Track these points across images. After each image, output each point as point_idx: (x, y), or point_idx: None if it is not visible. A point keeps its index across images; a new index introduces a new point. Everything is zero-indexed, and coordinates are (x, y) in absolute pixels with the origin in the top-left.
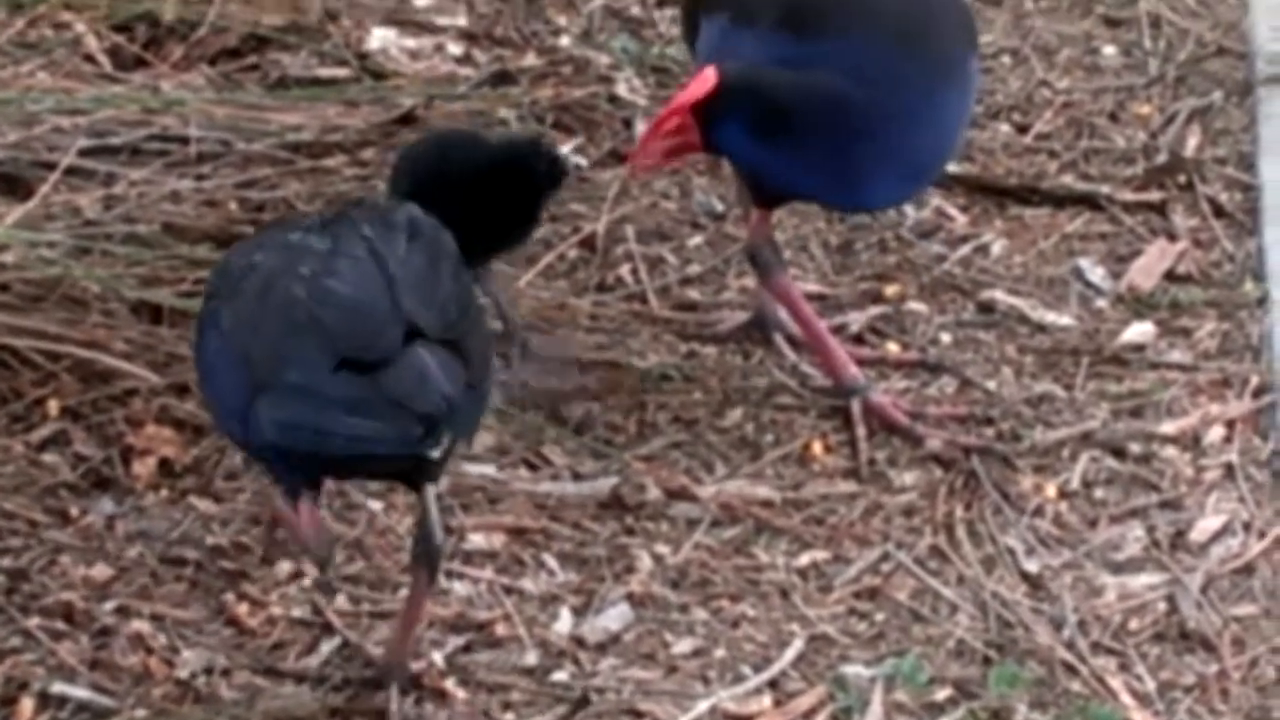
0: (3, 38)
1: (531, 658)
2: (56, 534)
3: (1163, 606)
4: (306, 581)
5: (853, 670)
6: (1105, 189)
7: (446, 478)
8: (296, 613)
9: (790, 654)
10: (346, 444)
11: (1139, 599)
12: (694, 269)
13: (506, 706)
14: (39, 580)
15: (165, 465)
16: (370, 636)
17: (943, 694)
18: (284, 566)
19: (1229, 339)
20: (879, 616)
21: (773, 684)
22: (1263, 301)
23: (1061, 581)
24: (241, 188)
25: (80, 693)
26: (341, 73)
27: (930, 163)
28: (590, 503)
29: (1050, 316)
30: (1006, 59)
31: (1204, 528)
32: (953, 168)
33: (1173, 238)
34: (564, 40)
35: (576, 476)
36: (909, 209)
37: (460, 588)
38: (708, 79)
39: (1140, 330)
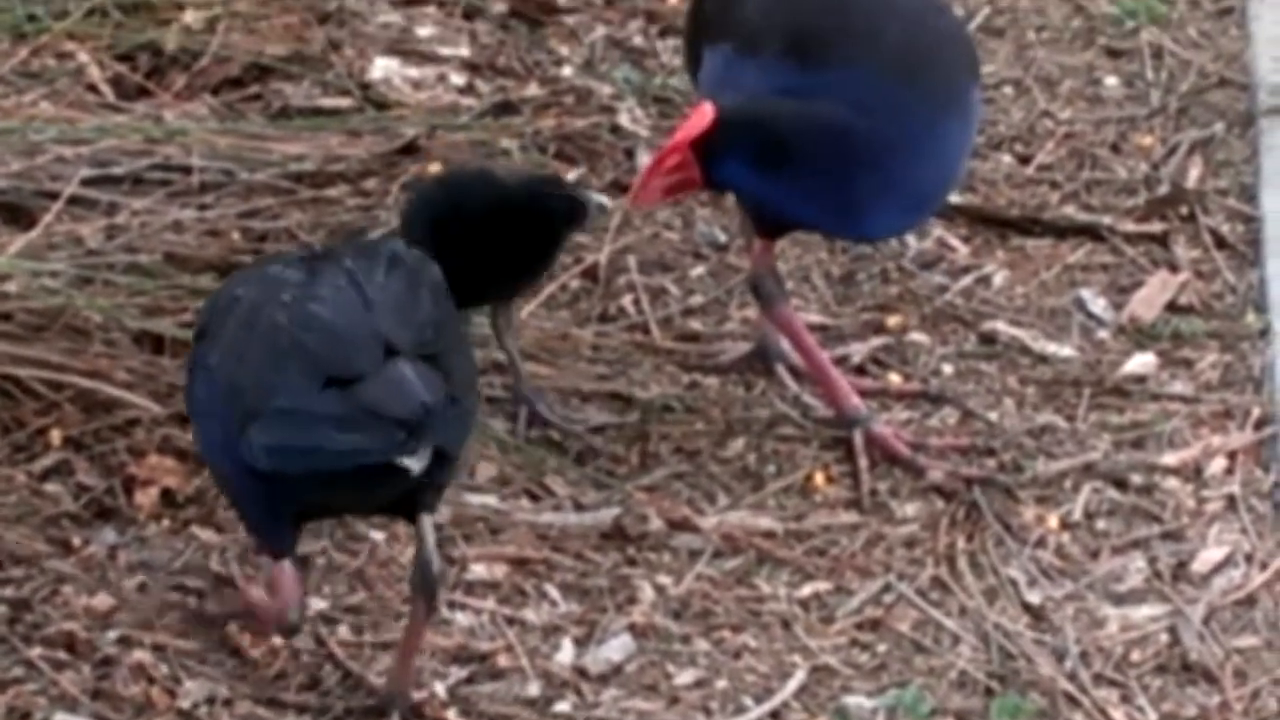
0: (5, 67)
1: (534, 689)
2: (59, 564)
3: (1165, 638)
4: (310, 613)
5: (855, 701)
6: (1107, 220)
7: (448, 508)
8: (299, 643)
9: (792, 685)
10: (334, 459)
11: (1141, 630)
12: (696, 300)
13: None
14: (41, 610)
15: (167, 495)
16: (373, 667)
17: None
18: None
19: (1231, 370)
20: (881, 647)
21: (774, 715)
22: (1264, 333)
23: (1063, 613)
24: (244, 217)
25: None
26: (344, 103)
27: (933, 193)
28: (592, 533)
29: (1052, 347)
30: (1008, 90)
31: (1206, 559)
32: (955, 198)
33: (1174, 269)
34: (566, 70)
35: (579, 507)
36: (911, 240)
37: (462, 618)
38: (705, 114)
39: (1142, 361)
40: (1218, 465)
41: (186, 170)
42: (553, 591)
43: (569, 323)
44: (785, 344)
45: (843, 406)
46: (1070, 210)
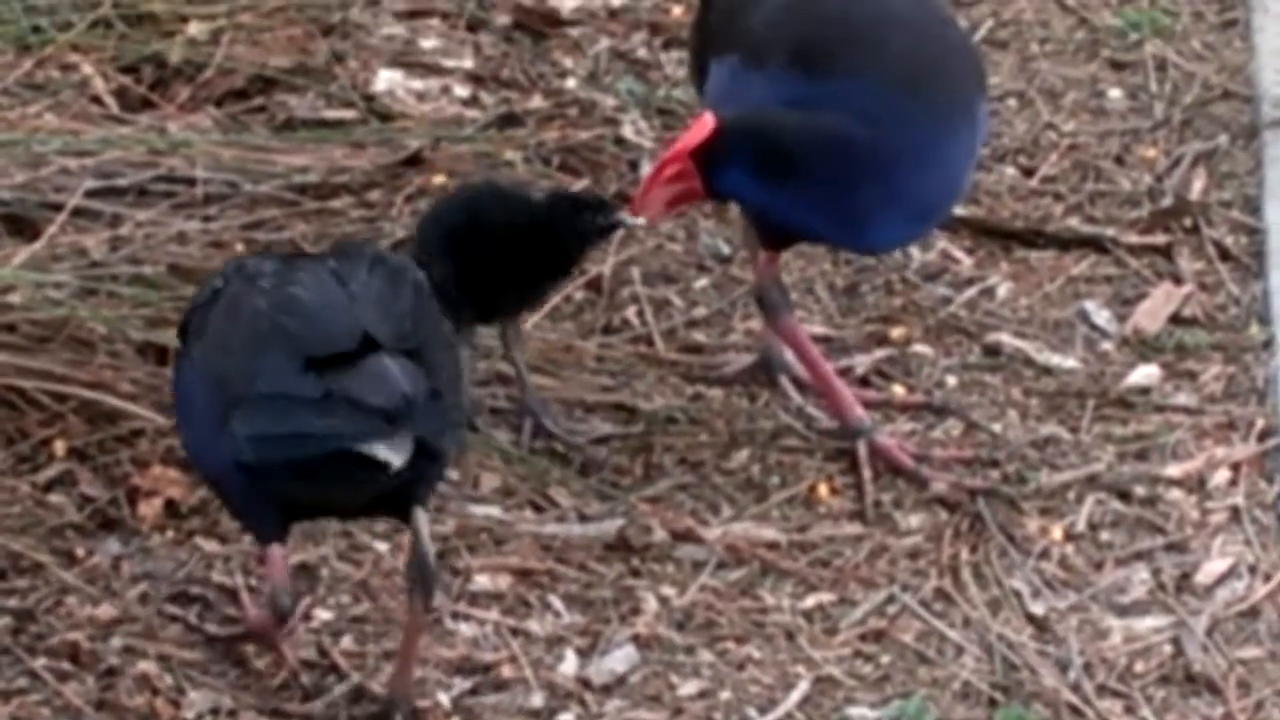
0: (10, 79)
1: (537, 700)
2: (62, 574)
3: (1168, 649)
4: (314, 623)
5: (858, 712)
6: (1111, 232)
7: (451, 519)
8: (303, 654)
9: (796, 696)
10: (315, 444)
11: (1144, 641)
12: (700, 311)
13: None
14: (45, 621)
15: (171, 506)
16: (376, 678)
17: None
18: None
19: (1234, 382)
20: (885, 659)
21: None
22: (1268, 345)
23: (1067, 624)
24: (248, 229)
25: None
26: (348, 114)
27: (937, 204)
28: (596, 544)
29: (1056, 359)
30: (1012, 102)
31: (1209, 570)
32: (959, 210)
33: (1178, 281)
34: (570, 82)
35: (582, 518)
36: (915, 251)
37: (466, 629)
38: (705, 124)
39: (1146, 373)
40: (1221, 477)
41: (190, 182)
42: (556, 602)
43: (573, 334)
44: (789, 355)
45: (847, 418)
46: (1074, 222)
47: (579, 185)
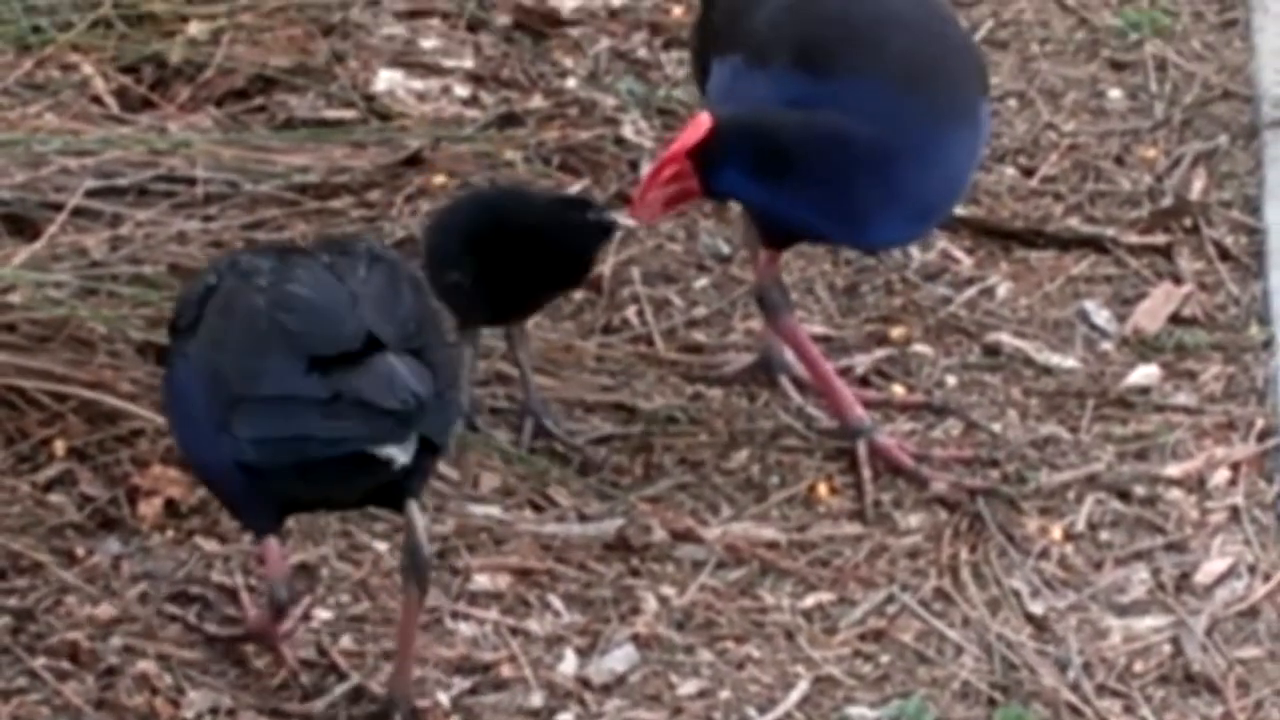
0: (10, 79)
1: (537, 699)
2: (62, 574)
3: (1168, 649)
4: (313, 623)
5: (858, 712)
6: (1110, 232)
7: (451, 518)
8: (302, 653)
9: (795, 696)
10: (322, 448)
11: (1144, 641)
12: (700, 311)
13: None
14: (45, 620)
15: (171, 506)
16: (376, 677)
17: None
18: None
19: (1234, 382)
20: (884, 658)
21: None
22: (1268, 345)
23: (1066, 623)
24: (248, 229)
25: None
26: (348, 114)
27: (938, 203)
28: (596, 544)
29: (1055, 359)
30: (1012, 102)
31: (1209, 570)
32: (959, 210)
33: (1178, 281)
34: (570, 82)
35: (582, 518)
36: (914, 251)
37: (465, 629)
38: (702, 124)
39: (1145, 373)
40: (1221, 477)
41: (191, 182)
42: (556, 602)
43: (573, 334)
44: (789, 355)
45: (846, 417)
46: (1074, 222)
47: (579, 186)
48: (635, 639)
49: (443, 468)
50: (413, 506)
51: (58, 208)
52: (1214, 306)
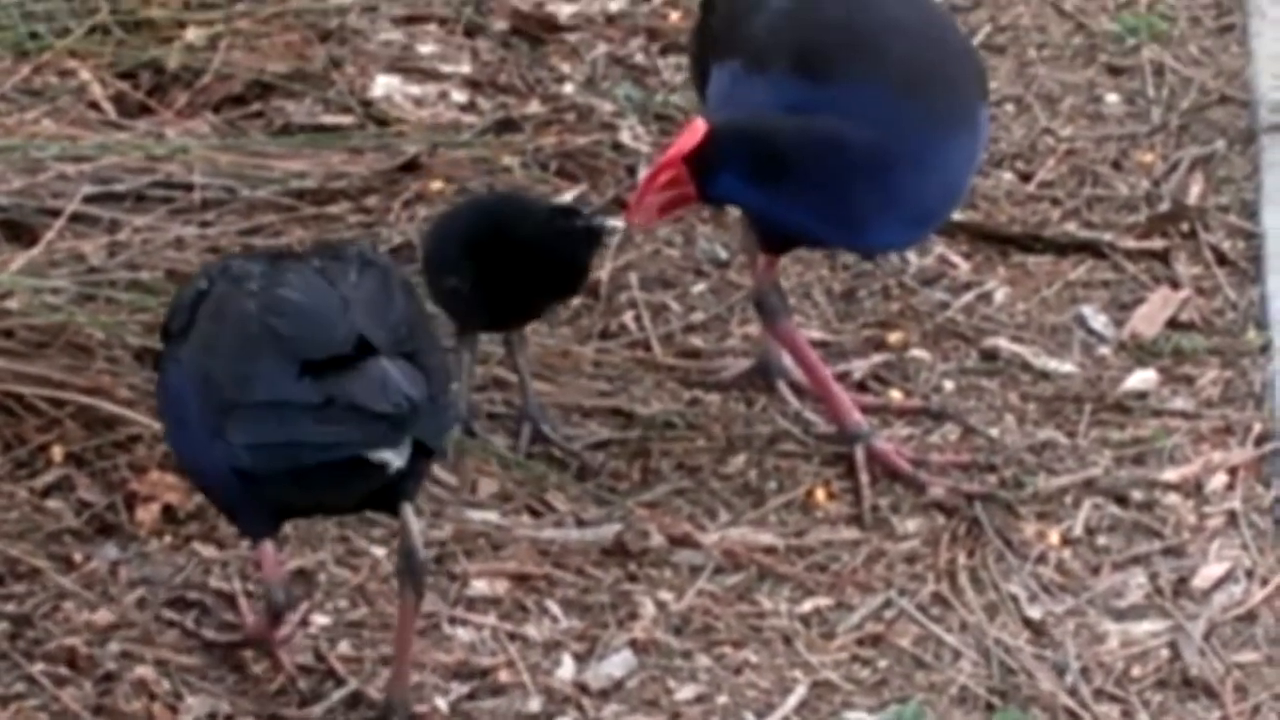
0: (8, 84)
1: (535, 705)
2: (60, 579)
3: (1165, 653)
4: (311, 628)
5: (855, 717)
6: (1108, 237)
7: (449, 524)
8: (300, 659)
9: (793, 701)
10: (316, 453)
11: (1141, 646)
12: (697, 316)
13: None
14: (42, 626)
15: (169, 511)
16: (374, 683)
17: None
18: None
19: (1232, 386)
20: (882, 663)
21: None
22: (1265, 349)
23: (1064, 628)
24: (245, 235)
25: None
26: (346, 120)
27: (937, 208)
28: (593, 549)
29: (1053, 364)
30: (1010, 107)
31: (1207, 575)
32: (956, 215)
33: (1175, 285)
34: (568, 88)
35: (580, 523)
36: (912, 256)
37: (463, 634)
38: (697, 130)
39: (1143, 378)
40: (1218, 481)
41: (188, 187)
42: (554, 607)
43: (570, 339)
44: (786, 360)
45: (844, 422)
46: (1071, 227)
47: (576, 191)
48: (633, 644)
49: (440, 473)
50: (407, 510)
51: (55, 213)
52: (1211, 311)
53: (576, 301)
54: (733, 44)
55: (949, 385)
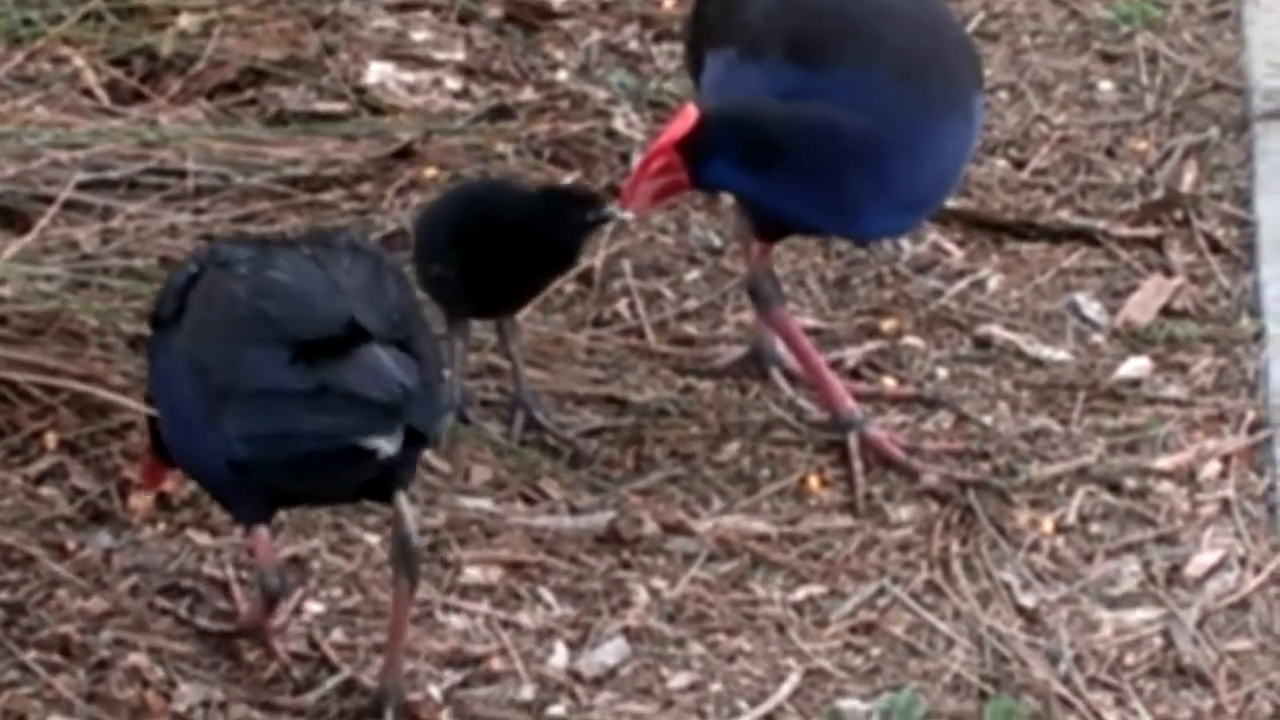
0: (1, 72)
1: (528, 692)
2: (54, 567)
3: (1159, 641)
4: (304, 616)
5: (849, 704)
6: (1101, 224)
7: (442, 511)
8: (293, 646)
9: (786, 688)
10: (311, 442)
11: (1135, 634)
12: (691, 304)
13: None
14: (36, 613)
15: (162, 499)
16: (367, 670)
17: None
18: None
19: (1225, 374)
20: (875, 651)
21: (769, 718)
22: (1259, 337)
23: (1057, 616)
24: (239, 222)
25: None
26: (339, 107)
27: (930, 195)
28: (587, 537)
29: (1046, 351)
30: (1004, 94)
31: (1200, 563)
32: (950, 203)
33: (1169, 273)
34: (561, 75)
35: (573, 510)
36: (905, 244)
37: (456, 621)
38: (689, 116)
39: (1136, 365)
40: (1212, 469)
41: (181, 174)
42: (547, 595)
43: (564, 327)
44: (780, 347)
45: (838, 410)
46: (1065, 214)
47: (570, 178)
48: (626, 632)
49: (434, 460)
50: (401, 497)
51: (48, 200)
52: (1205, 299)
53: (570, 289)
54: (727, 31)
55: (942, 373)
